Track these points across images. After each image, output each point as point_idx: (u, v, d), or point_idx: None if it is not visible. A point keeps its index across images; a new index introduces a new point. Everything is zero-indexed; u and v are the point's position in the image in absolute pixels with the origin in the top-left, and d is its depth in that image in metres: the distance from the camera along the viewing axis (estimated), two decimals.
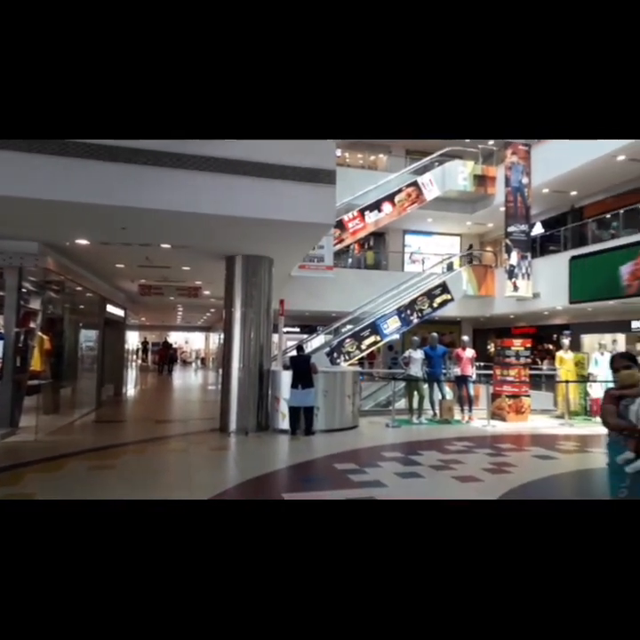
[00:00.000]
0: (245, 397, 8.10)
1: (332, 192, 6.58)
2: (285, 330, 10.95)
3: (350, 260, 16.75)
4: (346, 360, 13.06)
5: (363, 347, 13.44)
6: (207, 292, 12.80)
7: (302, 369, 7.87)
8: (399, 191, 14.49)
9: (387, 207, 14.35)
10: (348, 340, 13.33)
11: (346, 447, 6.98)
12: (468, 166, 15.14)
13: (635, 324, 12.66)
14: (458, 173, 14.96)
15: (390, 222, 15.08)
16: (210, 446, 6.99)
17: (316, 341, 14.86)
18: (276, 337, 9.68)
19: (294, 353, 8.55)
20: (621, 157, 11.39)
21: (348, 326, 14.07)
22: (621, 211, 12.36)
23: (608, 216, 13.04)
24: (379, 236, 17.68)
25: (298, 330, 17.20)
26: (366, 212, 14.23)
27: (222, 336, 8.99)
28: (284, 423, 7.95)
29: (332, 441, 7.43)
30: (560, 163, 12.79)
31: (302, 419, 7.82)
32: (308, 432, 7.76)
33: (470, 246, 18.24)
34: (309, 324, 16.46)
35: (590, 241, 13.23)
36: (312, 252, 11.73)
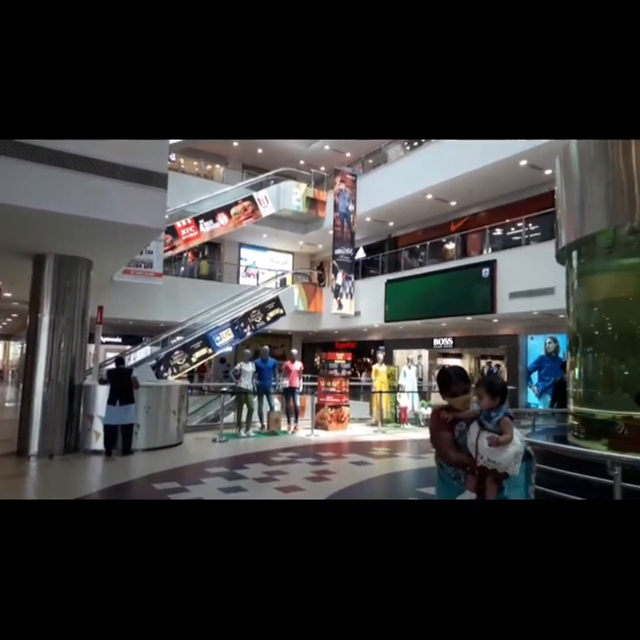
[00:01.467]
0: (51, 415, 7.11)
1: (163, 196, 6.24)
2: (104, 340, 9.98)
3: (183, 269, 16.15)
4: (174, 373, 12.46)
5: (193, 359, 12.99)
6: (8, 295, 11.03)
7: (121, 383, 7.23)
8: (235, 204, 14.51)
9: (222, 218, 14.23)
10: (177, 353, 12.75)
11: (168, 466, 6.58)
12: (301, 188, 15.89)
13: (436, 342, 14.60)
14: (292, 194, 15.59)
15: (226, 234, 14.98)
16: (2, 474, 5.95)
17: (140, 353, 13.88)
18: (92, 348, 8.76)
19: (113, 366, 7.83)
20: (429, 196, 13.14)
21: (178, 338, 13.48)
22: (428, 243, 14.24)
23: (417, 246, 14.90)
24: (214, 247, 17.42)
25: (119, 340, 15.88)
26: (201, 221, 13.91)
27: (25, 345, 7.80)
28: (99, 443, 7.19)
29: (152, 460, 6.94)
30: (380, 195, 14.23)
31: (119, 437, 7.16)
32: (125, 452, 7.13)
33: (320, 265, 19.03)
34: (134, 335, 15.33)
35: (403, 267, 14.93)
36: (139, 256, 10.99)
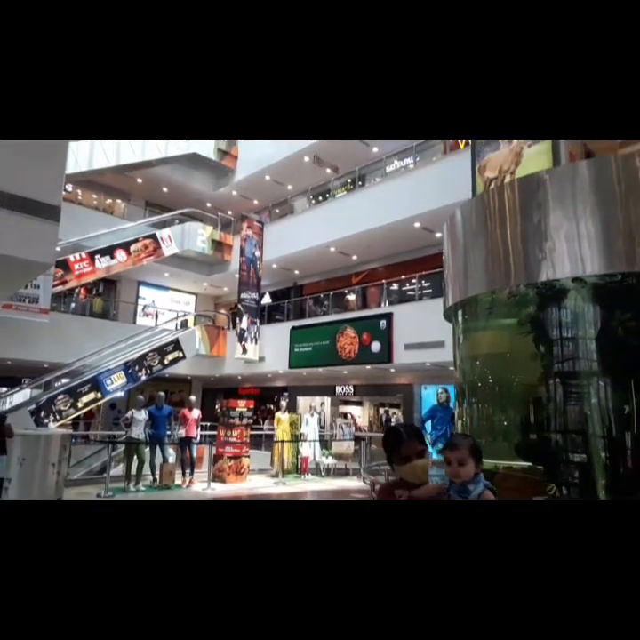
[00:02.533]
0: None
1: (55, 229, 5.83)
2: None
3: (73, 305, 15.05)
4: (57, 420, 11.32)
5: (79, 405, 11.94)
6: None
7: None
8: (136, 241, 14.00)
9: (121, 255, 13.62)
10: (61, 397, 11.65)
11: None
12: (207, 230, 15.81)
13: (338, 389, 14.86)
14: (197, 235, 15.43)
15: (124, 271, 14.32)
16: None
17: (18, 397, 12.51)
18: None
19: None
20: (332, 249, 13.72)
21: (64, 380, 12.38)
22: (331, 293, 14.73)
23: (322, 295, 15.34)
24: (110, 283, 16.53)
25: None
26: (97, 256, 13.19)
27: None
28: None
29: None
30: (286, 244, 14.58)
31: None
32: None
33: (234, 306, 18.50)
34: (12, 376, 13.81)
35: (308, 315, 15.24)
36: (23, 290, 10.09)
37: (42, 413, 11.11)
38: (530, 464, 4.66)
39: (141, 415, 8.83)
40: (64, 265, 12.45)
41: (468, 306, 5.24)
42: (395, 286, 13.42)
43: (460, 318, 5.46)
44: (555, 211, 4.13)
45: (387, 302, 12.93)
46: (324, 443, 11.73)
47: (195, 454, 9.44)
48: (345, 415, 14.15)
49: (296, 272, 16.16)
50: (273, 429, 11.61)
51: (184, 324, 16.48)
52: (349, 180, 14.43)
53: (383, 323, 11.59)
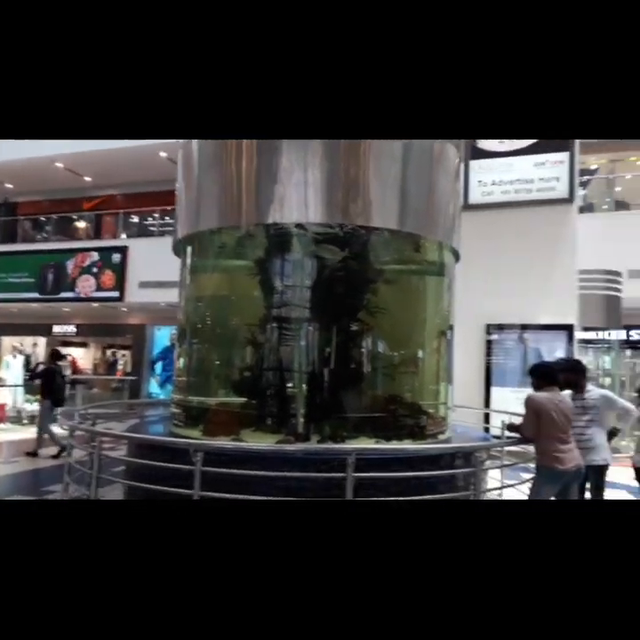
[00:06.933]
0: None
1: None
2: None
3: None
4: None
5: None
6: None
7: None
8: None
9: None
10: None
11: None
12: None
13: (57, 329, 13.01)
14: None
15: None
16: None
17: None
18: None
19: None
20: (59, 164, 11.61)
21: None
22: (55, 216, 12.59)
23: (43, 218, 12.97)
24: None
25: None
26: None
27: None
28: None
29: None
30: None
31: None
32: None
33: None
34: None
35: (20, 239, 12.72)
36: None
37: None
38: (245, 400, 4.80)
39: None
40: None
41: (197, 242, 4.98)
42: (135, 219, 12.29)
43: (188, 256, 5.17)
44: (288, 154, 4.14)
45: (124, 235, 11.74)
46: (29, 388, 10.13)
47: None
48: (63, 357, 12.52)
49: (8, 186, 13.24)
50: None
51: None
52: None
53: (117, 256, 10.49)
